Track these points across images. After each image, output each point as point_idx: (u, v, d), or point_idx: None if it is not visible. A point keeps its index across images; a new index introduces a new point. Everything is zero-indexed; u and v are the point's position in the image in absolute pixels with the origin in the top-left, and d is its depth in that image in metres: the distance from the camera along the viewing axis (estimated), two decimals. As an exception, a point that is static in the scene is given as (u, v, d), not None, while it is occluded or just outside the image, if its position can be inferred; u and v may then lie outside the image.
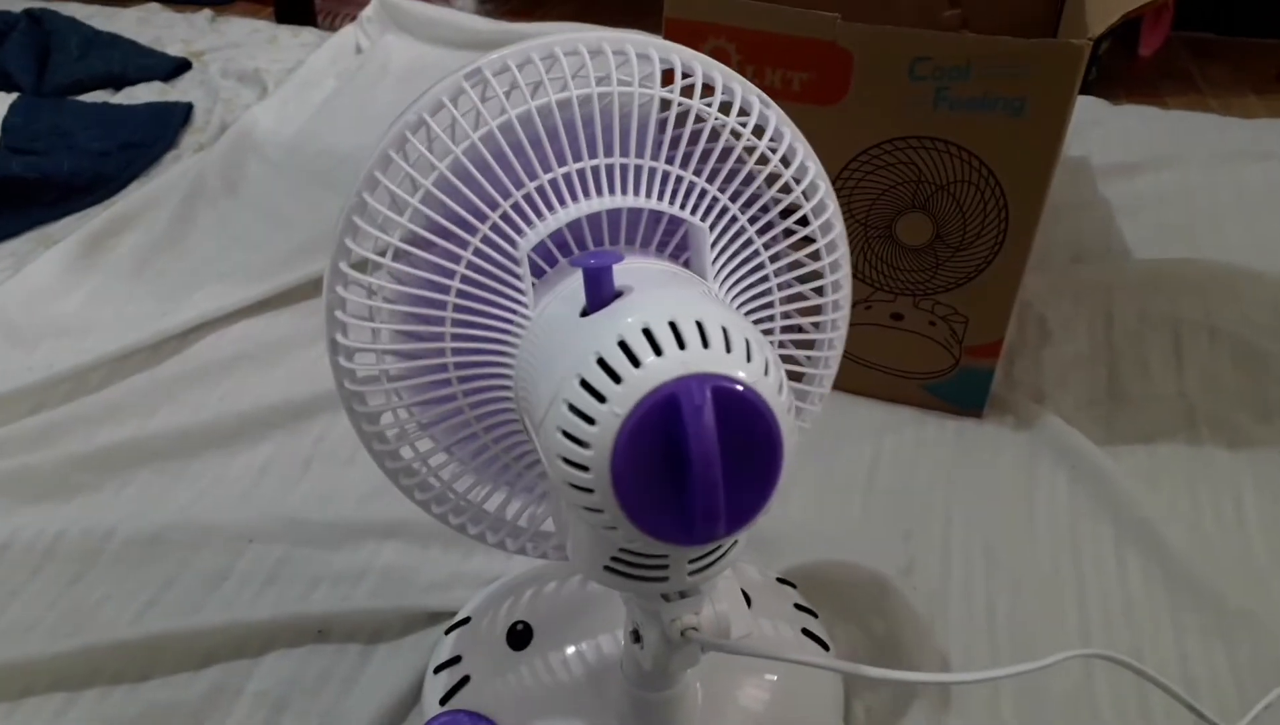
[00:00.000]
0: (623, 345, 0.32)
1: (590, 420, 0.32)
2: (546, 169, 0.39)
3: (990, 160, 0.66)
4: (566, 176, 0.40)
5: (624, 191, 0.40)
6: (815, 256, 0.45)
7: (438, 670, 0.55)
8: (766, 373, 0.32)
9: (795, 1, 0.65)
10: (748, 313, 0.43)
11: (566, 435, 0.33)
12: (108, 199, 1.04)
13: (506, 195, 0.40)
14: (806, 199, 0.44)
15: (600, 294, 0.35)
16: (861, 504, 0.70)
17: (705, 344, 0.32)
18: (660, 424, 0.31)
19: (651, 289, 0.36)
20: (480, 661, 0.54)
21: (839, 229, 0.46)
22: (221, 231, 1.00)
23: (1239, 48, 1.56)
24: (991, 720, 0.56)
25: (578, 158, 0.39)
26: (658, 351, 0.32)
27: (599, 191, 0.40)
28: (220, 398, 0.80)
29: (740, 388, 0.31)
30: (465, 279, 0.40)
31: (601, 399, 0.32)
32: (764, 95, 0.43)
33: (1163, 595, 0.63)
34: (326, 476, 0.72)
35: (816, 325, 0.46)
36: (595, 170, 0.40)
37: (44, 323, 0.87)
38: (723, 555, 0.39)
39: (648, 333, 0.32)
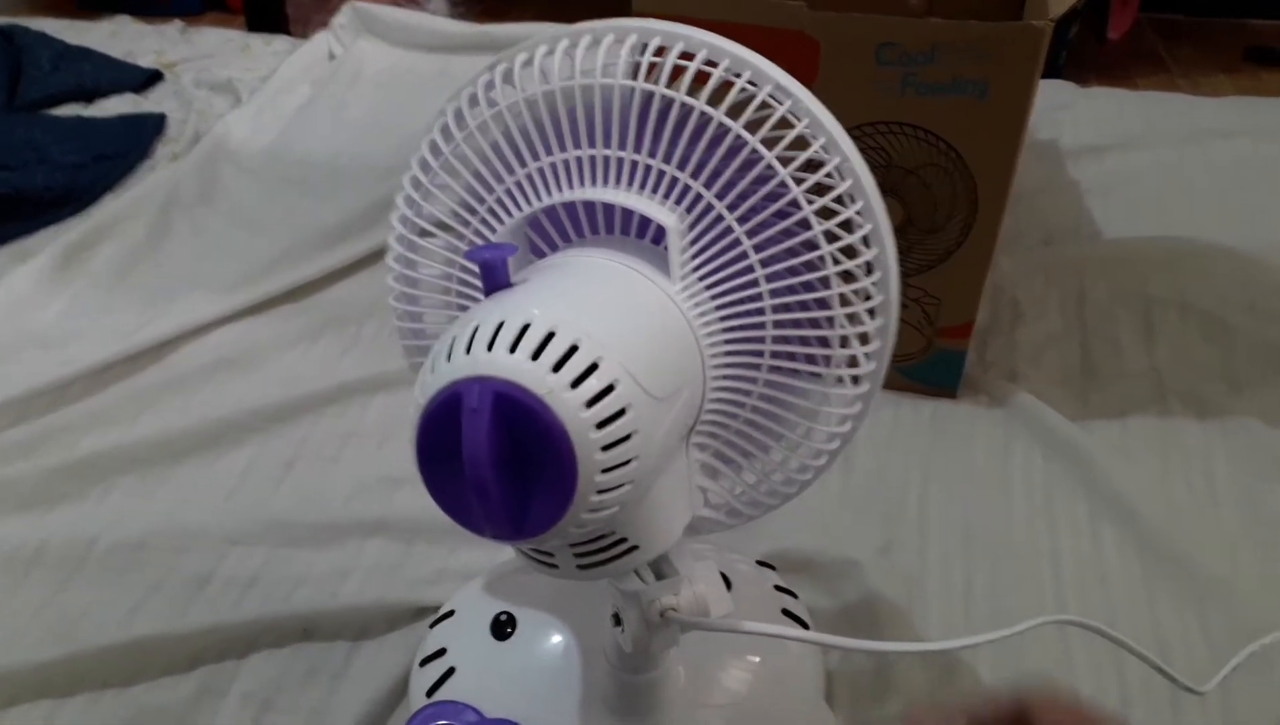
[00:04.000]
0: (453, 339, 0.33)
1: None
2: (536, 159, 0.41)
3: (957, 143, 0.67)
4: (551, 167, 0.40)
5: (599, 183, 0.40)
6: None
7: (423, 663, 0.55)
8: (576, 384, 0.32)
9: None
10: (726, 318, 0.39)
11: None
12: (83, 211, 1.04)
13: (496, 187, 0.41)
14: (830, 195, 0.39)
15: (491, 285, 0.36)
16: (839, 486, 0.71)
17: (512, 348, 0.32)
18: (447, 420, 0.32)
19: (538, 286, 0.37)
20: (465, 653, 0.54)
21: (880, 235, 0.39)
22: (198, 240, 1.00)
23: (1207, 28, 1.58)
24: (971, 689, 0.57)
25: (563, 149, 0.40)
26: (469, 349, 0.32)
27: (582, 182, 0.40)
28: (201, 403, 0.80)
29: (526, 397, 0.31)
30: (463, 267, 0.43)
31: (421, 387, 0.33)
32: (786, 81, 0.39)
33: (1136, 565, 0.64)
34: (309, 478, 0.73)
35: (836, 340, 0.41)
36: (579, 161, 0.40)
37: (23, 335, 0.87)
38: (616, 556, 0.39)
39: (475, 329, 0.33)
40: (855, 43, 0.66)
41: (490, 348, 0.32)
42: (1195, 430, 0.75)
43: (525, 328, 0.32)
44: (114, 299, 0.92)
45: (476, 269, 0.42)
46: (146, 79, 1.28)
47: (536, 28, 1.33)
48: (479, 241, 0.43)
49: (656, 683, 0.50)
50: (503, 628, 0.54)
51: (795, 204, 0.39)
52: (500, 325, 0.32)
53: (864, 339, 0.41)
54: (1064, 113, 1.18)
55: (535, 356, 0.32)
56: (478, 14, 1.66)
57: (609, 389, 0.32)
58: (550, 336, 0.32)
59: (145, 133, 1.14)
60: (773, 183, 0.38)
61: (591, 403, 0.32)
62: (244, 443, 0.76)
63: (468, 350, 0.32)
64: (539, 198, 0.41)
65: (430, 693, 0.53)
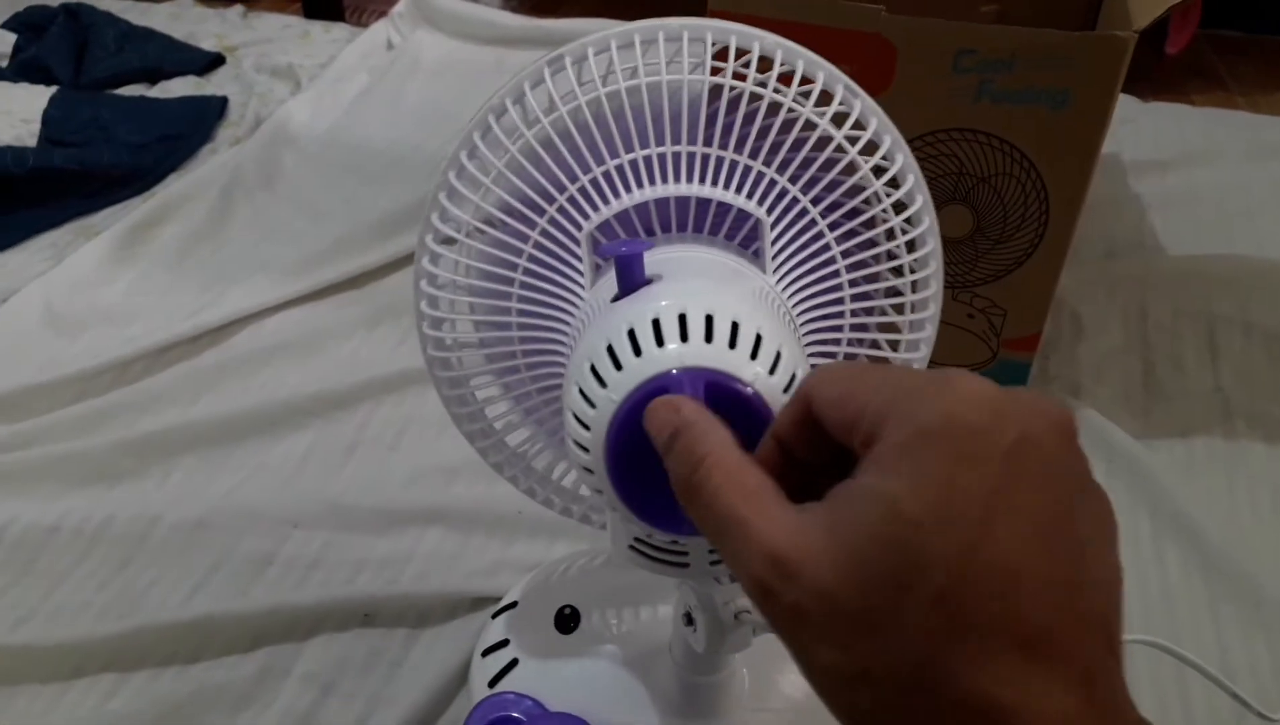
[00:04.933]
0: (630, 334, 0.32)
1: (593, 404, 0.33)
2: (614, 155, 0.40)
3: (1032, 153, 0.67)
4: (631, 164, 0.40)
5: (684, 180, 0.40)
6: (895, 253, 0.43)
7: (486, 653, 0.55)
8: (772, 371, 0.32)
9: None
10: (811, 308, 0.41)
11: (576, 419, 0.34)
12: (146, 191, 1.05)
13: (574, 179, 0.40)
14: (897, 194, 0.41)
15: (629, 281, 0.35)
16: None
17: (709, 338, 0.32)
18: None
19: (680, 279, 0.36)
20: (528, 645, 0.54)
21: (928, 224, 0.42)
22: (259, 224, 1.00)
23: (1266, 46, 1.56)
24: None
25: (644, 145, 0.40)
26: (660, 342, 0.32)
27: (664, 179, 0.40)
28: (261, 386, 0.81)
29: (737, 384, 0.31)
30: (531, 258, 0.41)
31: (604, 384, 0.32)
32: (852, 84, 0.41)
33: (1201, 586, 0.63)
34: (369, 464, 0.73)
35: (896, 326, 0.44)
36: (661, 157, 0.40)
37: (87, 312, 0.88)
38: None
39: (656, 323, 0.32)
40: (933, 48, 0.65)
41: (684, 340, 0.32)
42: (1260, 451, 0.73)
43: (710, 318, 0.32)
44: (176, 279, 0.93)
45: (548, 259, 0.41)
46: (209, 62, 1.29)
47: (591, 23, 1.34)
48: (545, 241, 0.42)
49: (721, 685, 0.50)
50: (566, 621, 0.54)
51: (871, 199, 0.41)
52: (683, 316, 0.32)
53: (920, 326, 0.44)
54: (1125, 126, 1.17)
55: (731, 346, 0.32)
56: (529, 8, 1.66)
57: (794, 376, 0.33)
58: (736, 326, 0.32)
59: (208, 115, 1.15)
60: (851, 181, 0.40)
61: (786, 389, 0.32)
62: (304, 427, 0.76)
63: (659, 342, 0.32)
64: (615, 196, 0.40)
65: (493, 683, 0.53)
